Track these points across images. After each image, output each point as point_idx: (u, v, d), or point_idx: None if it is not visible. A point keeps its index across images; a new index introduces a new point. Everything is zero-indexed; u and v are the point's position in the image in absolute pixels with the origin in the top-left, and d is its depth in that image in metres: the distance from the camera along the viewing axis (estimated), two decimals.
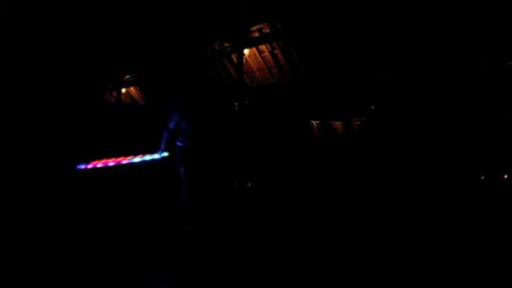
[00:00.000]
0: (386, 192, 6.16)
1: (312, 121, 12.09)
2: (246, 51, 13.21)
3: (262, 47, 13.21)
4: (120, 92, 19.93)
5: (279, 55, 13.16)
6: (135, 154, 4.46)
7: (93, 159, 4.57)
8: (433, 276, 2.81)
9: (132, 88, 20.27)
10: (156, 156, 4.20)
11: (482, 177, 6.87)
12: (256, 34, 12.66)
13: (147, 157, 4.29)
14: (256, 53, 13.46)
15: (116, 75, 18.64)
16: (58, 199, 5.71)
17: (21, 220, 4.50)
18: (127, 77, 19.15)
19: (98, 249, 3.49)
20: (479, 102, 8.32)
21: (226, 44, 13.58)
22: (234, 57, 13.70)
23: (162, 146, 4.21)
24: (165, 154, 4.22)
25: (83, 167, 4.35)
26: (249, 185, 7.46)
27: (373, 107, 10.63)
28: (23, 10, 11.72)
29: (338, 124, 11.98)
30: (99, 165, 4.36)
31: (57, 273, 2.89)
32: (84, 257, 3.29)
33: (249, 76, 14.30)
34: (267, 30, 12.42)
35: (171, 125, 4.25)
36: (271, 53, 13.23)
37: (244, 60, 12.92)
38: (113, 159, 4.49)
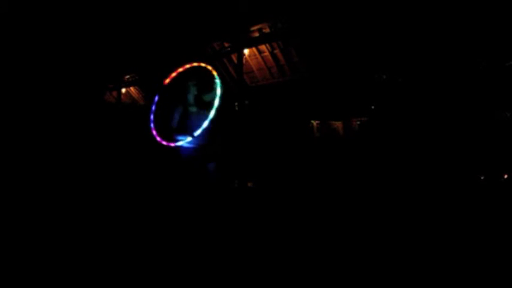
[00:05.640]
0: (387, 192, 6.16)
1: (312, 121, 12.08)
2: (246, 51, 13.20)
3: (262, 47, 13.20)
4: (120, 92, 19.90)
5: (279, 55, 13.16)
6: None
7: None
8: (433, 276, 2.81)
9: (132, 88, 20.24)
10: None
11: (482, 178, 6.87)
12: (256, 34, 12.65)
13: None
14: (256, 53, 13.45)
15: (116, 75, 18.62)
16: (58, 199, 5.71)
17: (22, 220, 4.50)
18: (127, 77, 19.12)
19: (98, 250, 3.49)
20: (479, 102, 8.32)
21: (226, 44, 13.58)
22: (234, 57, 13.69)
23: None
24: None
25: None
26: (249, 185, 7.46)
27: (373, 107, 10.63)
28: (23, 10, 11.72)
29: (338, 124, 11.97)
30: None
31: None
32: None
33: (249, 76, 14.29)
34: (267, 30, 12.42)
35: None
36: (271, 53, 13.23)
37: (244, 60, 12.91)
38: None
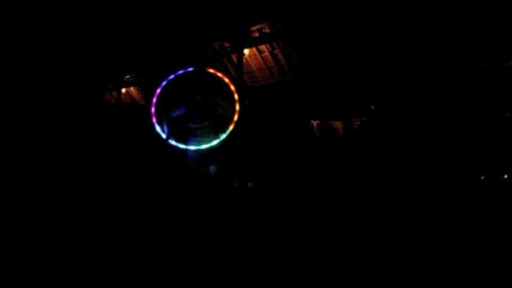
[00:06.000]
0: (387, 192, 6.16)
1: (312, 121, 12.08)
2: (246, 51, 13.22)
3: (262, 47, 13.22)
4: (120, 92, 19.92)
5: (279, 55, 13.17)
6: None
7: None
8: (433, 276, 2.81)
9: (132, 88, 20.26)
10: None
11: (482, 177, 6.87)
12: (256, 34, 12.66)
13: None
14: (256, 53, 13.46)
15: (116, 75, 18.63)
16: (58, 198, 5.71)
17: (22, 220, 4.50)
18: (127, 77, 19.14)
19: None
20: (479, 102, 8.32)
21: (226, 44, 13.59)
22: (234, 57, 13.70)
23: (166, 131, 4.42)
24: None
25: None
26: (249, 185, 7.46)
27: (373, 107, 10.63)
28: (22, 10, 11.72)
29: (338, 124, 11.97)
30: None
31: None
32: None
33: (249, 76, 14.31)
34: (267, 30, 12.43)
35: (174, 114, 4.50)
36: (271, 53, 13.24)
37: (244, 60, 12.93)
38: None
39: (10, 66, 11.66)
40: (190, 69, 4.73)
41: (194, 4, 12.40)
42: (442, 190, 6.08)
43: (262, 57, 13.59)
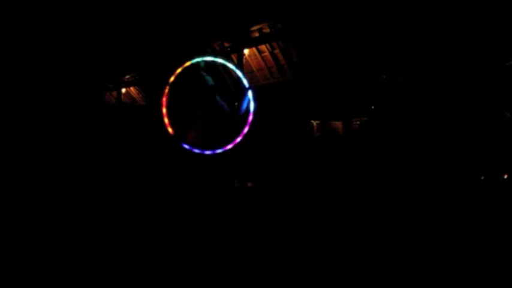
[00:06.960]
0: (387, 192, 6.16)
1: (312, 121, 12.08)
2: (246, 51, 13.23)
3: (262, 47, 13.22)
4: (120, 92, 19.95)
5: (279, 55, 13.18)
6: None
7: None
8: (433, 275, 2.81)
9: (132, 88, 20.29)
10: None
11: (482, 177, 6.87)
12: (256, 34, 12.67)
13: None
14: (256, 53, 13.47)
15: (116, 75, 18.65)
16: (58, 198, 5.71)
17: (22, 219, 4.50)
18: (127, 77, 19.17)
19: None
20: (479, 102, 8.32)
21: (226, 44, 13.60)
22: (234, 57, 13.71)
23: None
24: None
25: None
26: (249, 185, 7.47)
27: (373, 107, 10.63)
28: (22, 10, 11.72)
29: (338, 124, 11.98)
30: None
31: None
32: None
33: (249, 76, 14.31)
34: (267, 30, 12.44)
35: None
36: (271, 53, 13.25)
37: (244, 60, 12.93)
38: None
39: (11, 66, 11.66)
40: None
41: (194, 4, 12.39)
42: (442, 190, 6.08)
43: (262, 57, 13.60)
